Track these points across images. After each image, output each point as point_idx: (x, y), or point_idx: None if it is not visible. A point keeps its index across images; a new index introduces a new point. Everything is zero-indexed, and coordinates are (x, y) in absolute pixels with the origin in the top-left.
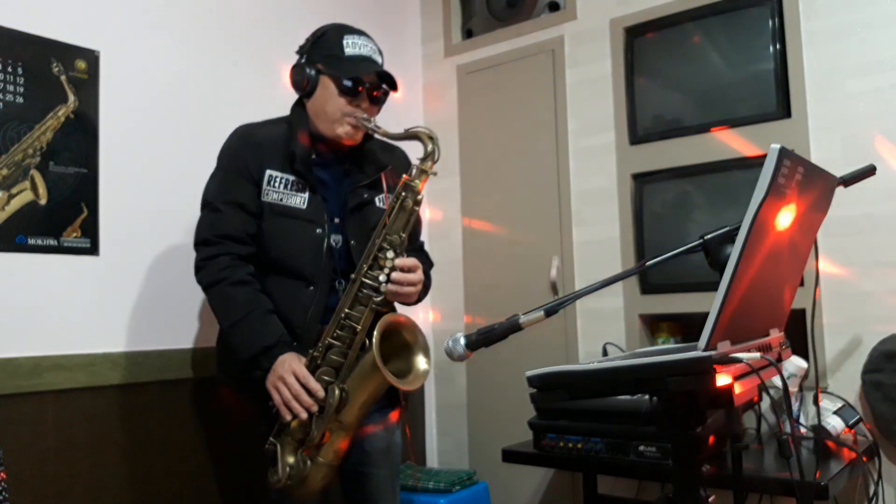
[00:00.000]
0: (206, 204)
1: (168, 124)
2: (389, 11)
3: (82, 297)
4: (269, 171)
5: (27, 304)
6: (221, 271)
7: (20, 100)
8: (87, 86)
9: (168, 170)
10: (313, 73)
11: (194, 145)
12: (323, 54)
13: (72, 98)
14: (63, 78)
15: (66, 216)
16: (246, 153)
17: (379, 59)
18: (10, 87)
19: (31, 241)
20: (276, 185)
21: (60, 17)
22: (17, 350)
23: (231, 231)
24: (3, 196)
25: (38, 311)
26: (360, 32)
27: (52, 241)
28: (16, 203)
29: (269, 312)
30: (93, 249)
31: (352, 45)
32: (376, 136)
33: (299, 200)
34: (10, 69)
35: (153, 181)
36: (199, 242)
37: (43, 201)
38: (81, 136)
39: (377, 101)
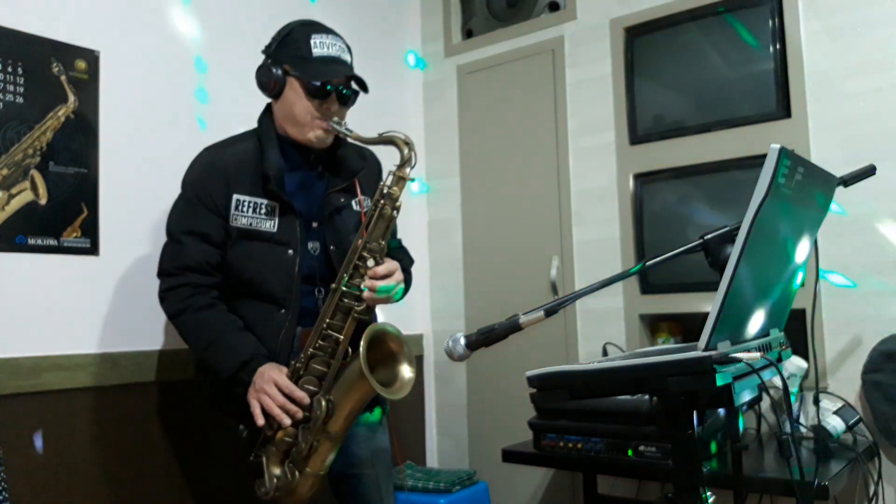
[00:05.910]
0: (169, 234)
1: (168, 124)
2: (389, 11)
3: (82, 297)
4: (236, 196)
5: (27, 304)
6: (184, 301)
7: (20, 100)
8: (87, 86)
9: (168, 170)
10: (280, 73)
11: (194, 145)
12: (289, 55)
13: (72, 98)
14: (63, 78)
15: (66, 216)
16: (210, 182)
17: (348, 59)
18: (10, 87)
19: (31, 241)
20: (245, 209)
21: (60, 17)
22: (17, 350)
23: (191, 263)
24: (3, 196)
25: (38, 311)
26: (327, 31)
27: (52, 241)
28: (16, 203)
29: (241, 329)
30: (93, 249)
31: (319, 45)
32: (349, 140)
33: (270, 224)
34: (10, 69)
35: (153, 181)
36: (161, 273)
37: (43, 201)
38: (81, 136)
39: (347, 102)
